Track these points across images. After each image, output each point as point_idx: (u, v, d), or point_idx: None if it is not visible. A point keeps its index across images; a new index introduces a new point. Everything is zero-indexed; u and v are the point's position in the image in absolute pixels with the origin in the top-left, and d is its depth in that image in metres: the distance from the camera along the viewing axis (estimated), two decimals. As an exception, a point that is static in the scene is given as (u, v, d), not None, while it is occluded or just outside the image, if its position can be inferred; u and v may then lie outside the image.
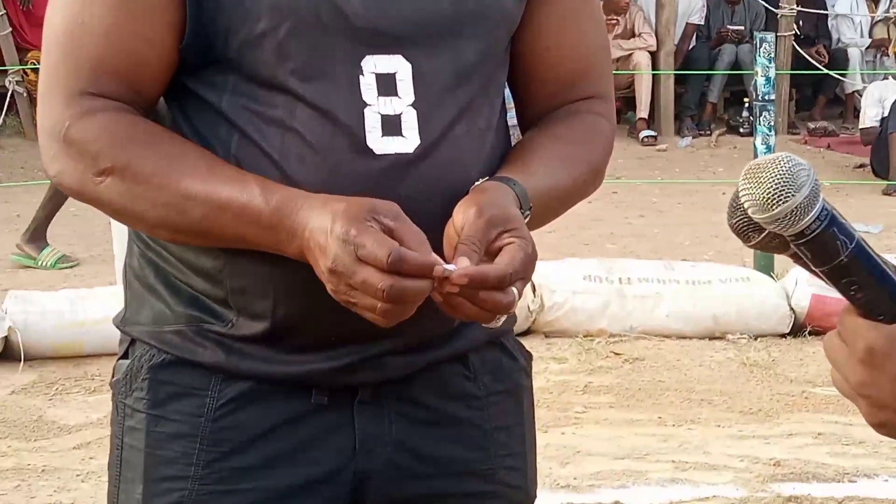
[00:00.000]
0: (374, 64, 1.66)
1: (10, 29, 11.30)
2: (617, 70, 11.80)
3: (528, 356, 1.94)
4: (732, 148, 11.59)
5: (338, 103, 1.64)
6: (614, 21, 11.79)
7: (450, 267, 1.54)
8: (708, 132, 12.11)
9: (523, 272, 1.58)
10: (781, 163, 1.26)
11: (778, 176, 1.25)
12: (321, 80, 1.64)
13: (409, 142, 1.66)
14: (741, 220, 1.33)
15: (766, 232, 1.30)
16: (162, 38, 1.65)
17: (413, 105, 1.67)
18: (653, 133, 11.77)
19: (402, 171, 1.64)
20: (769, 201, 1.25)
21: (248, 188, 1.59)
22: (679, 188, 9.89)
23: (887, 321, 1.27)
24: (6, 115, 11.22)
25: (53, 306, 5.74)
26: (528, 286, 5.93)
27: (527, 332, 6.07)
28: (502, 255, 1.58)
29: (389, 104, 1.66)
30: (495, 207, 1.61)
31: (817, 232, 1.26)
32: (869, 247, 1.28)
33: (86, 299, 5.82)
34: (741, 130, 11.81)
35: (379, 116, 1.65)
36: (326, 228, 1.53)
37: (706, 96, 12.35)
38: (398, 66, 1.67)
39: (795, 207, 1.24)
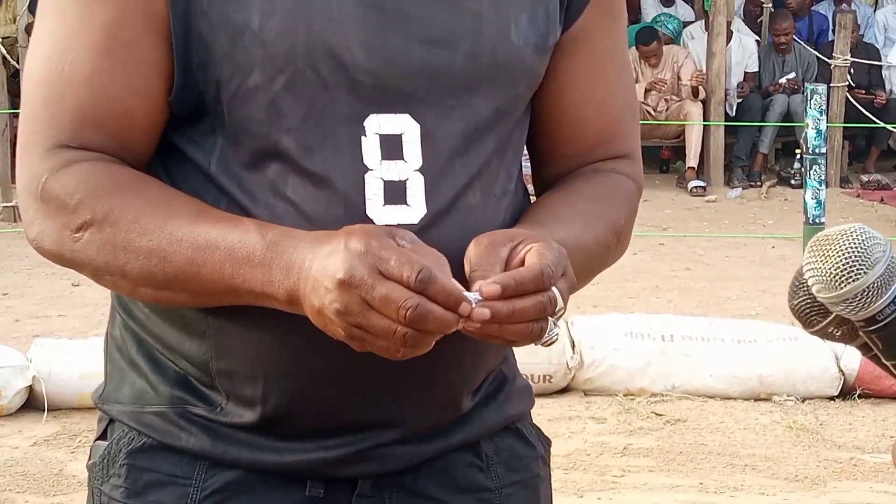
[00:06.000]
0: (378, 124, 1.51)
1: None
2: (667, 120, 11.68)
3: (547, 442, 1.78)
4: (783, 200, 11.43)
5: (336, 168, 1.50)
6: (661, 86, 11.66)
7: (472, 295, 1.36)
8: (758, 183, 11.95)
9: (561, 267, 1.41)
10: (853, 235, 1.10)
11: (848, 250, 1.10)
12: (318, 142, 1.50)
13: (414, 211, 1.51)
14: (804, 300, 1.18)
15: (833, 315, 1.15)
16: (149, 87, 1.52)
17: (420, 170, 1.52)
18: (702, 183, 11.63)
19: None
20: (838, 278, 1.10)
21: (242, 225, 1.45)
22: (727, 241, 9.75)
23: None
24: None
25: (80, 354, 5.63)
26: (568, 341, 5.85)
27: (565, 390, 5.96)
28: (529, 256, 1.41)
29: (394, 169, 1.51)
30: (496, 232, 1.46)
31: (891, 317, 1.10)
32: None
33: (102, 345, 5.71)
34: (792, 182, 11.65)
35: (381, 183, 1.51)
36: (338, 247, 1.36)
37: (757, 146, 12.20)
38: (405, 126, 1.52)
39: (867, 287, 1.09)
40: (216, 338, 1.54)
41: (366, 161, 1.50)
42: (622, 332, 6.05)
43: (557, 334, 1.42)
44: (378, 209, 1.50)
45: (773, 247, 9.42)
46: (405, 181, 1.51)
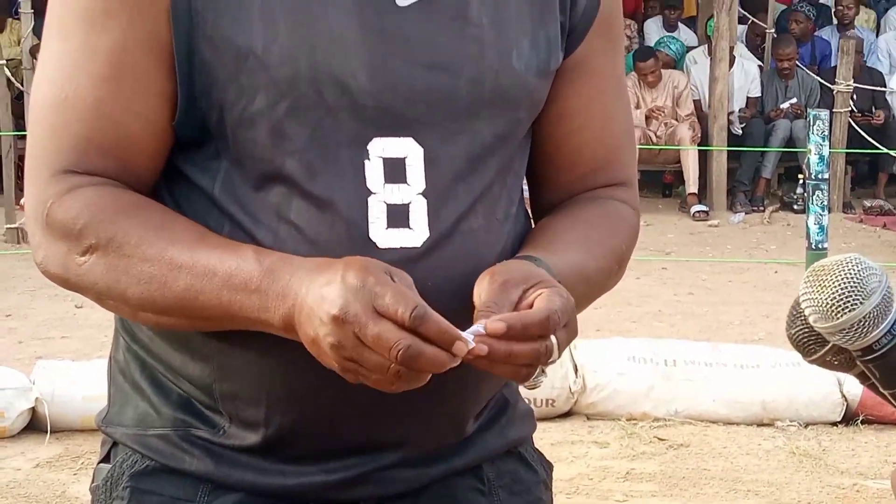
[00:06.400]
0: (381, 147, 1.52)
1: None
2: (665, 145, 11.67)
3: (549, 467, 1.77)
4: (786, 225, 11.41)
5: (339, 192, 1.50)
6: (659, 114, 11.67)
7: (470, 336, 1.37)
8: (761, 208, 11.94)
9: (565, 317, 1.41)
10: (849, 265, 1.11)
11: (845, 280, 1.10)
12: (322, 165, 1.51)
13: (416, 235, 1.51)
14: (802, 329, 1.19)
15: (830, 345, 1.15)
16: (153, 112, 1.52)
17: (423, 194, 1.52)
18: (704, 208, 11.61)
19: (409, 268, 1.45)
20: (834, 308, 1.11)
21: (240, 252, 1.45)
22: (730, 266, 9.73)
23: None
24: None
25: (83, 376, 5.62)
26: (570, 365, 5.84)
27: (568, 414, 5.93)
28: (538, 301, 1.41)
29: (397, 192, 1.52)
30: (512, 271, 1.46)
31: (888, 347, 1.11)
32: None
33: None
34: (795, 207, 11.63)
35: (384, 206, 1.51)
36: (335, 279, 1.37)
37: (760, 171, 12.19)
38: (408, 149, 1.52)
39: (864, 317, 1.10)
40: (220, 361, 1.54)
41: (369, 184, 1.51)
42: (625, 356, 6.03)
43: (543, 381, 1.43)
44: (381, 232, 1.50)
45: (776, 272, 9.40)
46: (408, 205, 1.52)
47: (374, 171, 1.51)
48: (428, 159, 1.52)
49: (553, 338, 1.41)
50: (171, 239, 1.48)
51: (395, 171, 1.51)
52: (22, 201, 9.89)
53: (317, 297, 1.38)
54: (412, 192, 1.52)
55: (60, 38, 1.52)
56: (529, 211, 1.71)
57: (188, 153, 1.55)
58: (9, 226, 9.42)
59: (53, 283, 1.57)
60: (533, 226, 1.68)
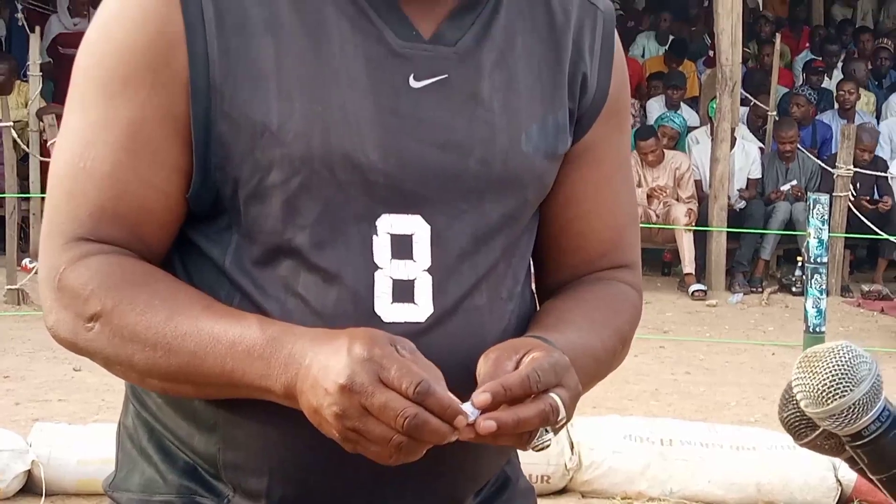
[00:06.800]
0: (390, 223, 1.55)
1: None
2: (663, 224, 11.70)
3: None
4: (784, 307, 11.42)
5: (346, 266, 1.53)
6: (661, 193, 11.73)
7: (469, 408, 1.39)
8: (759, 290, 11.95)
9: (554, 375, 1.43)
10: (839, 353, 1.14)
11: (835, 367, 1.13)
12: (330, 239, 1.54)
13: (421, 310, 1.54)
14: (793, 414, 1.21)
15: (821, 430, 1.18)
16: (168, 184, 1.55)
17: (428, 270, 1.55)
18: (703, 287, 11.63)
19: (412, 342, 1.47)
20: (824, 395, 1.13)
21: (245, 321, 1.48)
22: (727, 346, 9.72)
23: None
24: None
25: (79, 440, 5.61)
26: (567, 441, 5.84)
27: (563, 491, 5.90)
28: (523, 363, 1.44)
29: (403, 268, 1.55)
30: (507, 345, 1.49)
31: (876, 434, 1.14)
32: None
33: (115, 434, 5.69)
34: (794, 289, 11.64)
35: (390, 281, 1.54)
36: (341, 350, 1.39)
37: (759, 253, 12.23)
38: (416, 226, 1.56)
39: (853, 404, 1.12)
40: (224, 431, 1.56)
41: (376, 259, 1.54)
42: (621, 434, 6.02)
43: (549, 440, 1.45)
44: (386, 307, 1.53)
45: (774, 353, 9.39)
46: (413, 280, 1.54)
47: (381, 247, 1.54)
48: (435, 237, 1.56)
49: (554, 396, 1.43)
50: (175, 308, 1.50)
51: (402, 247, 1.55)
52: (24, 262, 9.93)
53: (322, 366, 1.40)
54: (418, 268, 1.55)
55: (81, 109, 1.56)
56: (534, 290, 1.74)
57: (200, 224, 1.58)
58: (10, 287, 9.42)
59: (53, 346, 1.59)
60: (538, 306, 1.71)
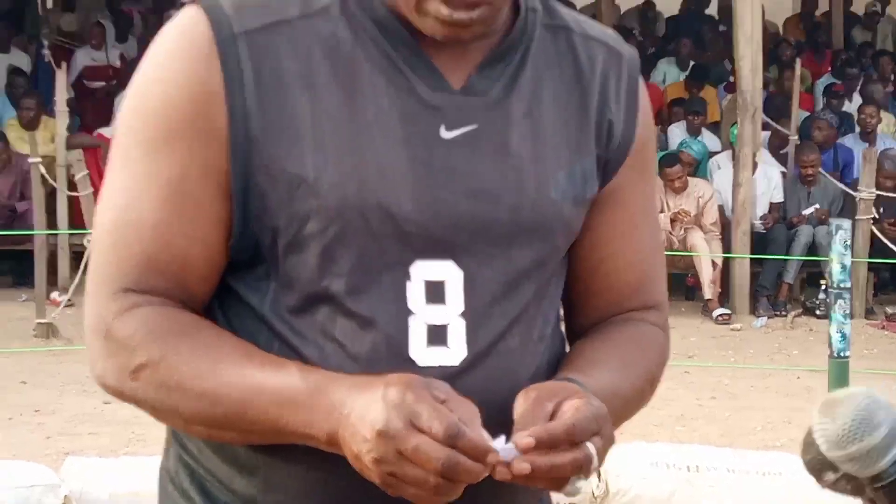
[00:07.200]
0: (423, 270, 1.60)
1: (92, 189, 11.48)
2: (682, 252, 11.69)
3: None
4: (808, 330, 11.41)
5: (381, 311, 1.58)
6: (685, 216, 11.74)
7: (502, 445, 1.45)
8: (783, 313, 11.95)
9: (595, 425, 1.49)
10: (859, 399, 1.19)
11: (854, 413, 1.19)
12: (365, 286, 1.59)
13: (454, 354, 1.59)
14: (815, 456, 1.26)
15: (841, 472, 1.23)
16: (209, 236, 1.61)
17: (462, 315, 1.60)
18: (727, 311, 11.63)
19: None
20: (844, 439, 1.19)
21: (286, 369, 1.54)
22: (752, 371, 9.73)
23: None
24: (83, 274, 11.32)
25: (110, 472, 5.66)
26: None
27: (590, 519, 5.90)
28: (566, 410, 1.49)
29: (436, 313, 1.60)
30: (546, 387, 1.54)
31: (895, 477, 1.18)
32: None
33: (147, 467, 5.74)
34: (818, 313, 11.63)
35: (425, 326, 1.59)
36: (377, 397, 1.45)
37: (782, 276, 12.23)
38: (449, 273, 1.61)
39: (871, 448, 1.17)
40: (265, 474, 1.61)
41: (410, 305, 1.59)
42: (647, 461, 6.03)
43: (581, 488, 1.50)
44: (421, 351, 1.58)
45: (798, 377, 9.39)
46: (447, 325, 1.59)
47: (415, 293, 1.59)
48: (467, 282, 1.60)
49: (590, 445, 1.48)
50: (219, 357, 1.56)
51: (435, 292, 1.60)
52: (52, 295, 10.00)
53: (360, 414, 1.46)
54: (451, 312, 1.60)
55: (125, 168, 1.62)
56: (564, 331, 1.79)
57: (239, 273, 1.63)
58: (39, 321, 9.50)
59: (82, 379, 1.65)
60: (567, 347, 1.76)
